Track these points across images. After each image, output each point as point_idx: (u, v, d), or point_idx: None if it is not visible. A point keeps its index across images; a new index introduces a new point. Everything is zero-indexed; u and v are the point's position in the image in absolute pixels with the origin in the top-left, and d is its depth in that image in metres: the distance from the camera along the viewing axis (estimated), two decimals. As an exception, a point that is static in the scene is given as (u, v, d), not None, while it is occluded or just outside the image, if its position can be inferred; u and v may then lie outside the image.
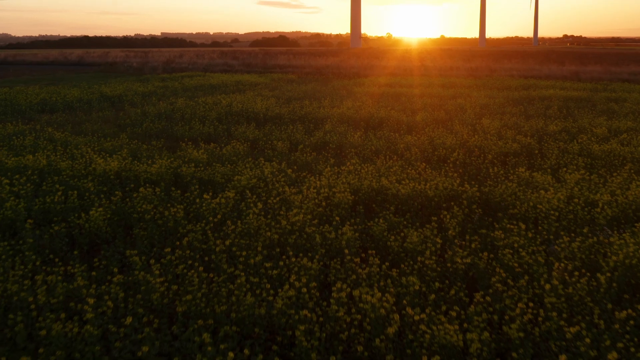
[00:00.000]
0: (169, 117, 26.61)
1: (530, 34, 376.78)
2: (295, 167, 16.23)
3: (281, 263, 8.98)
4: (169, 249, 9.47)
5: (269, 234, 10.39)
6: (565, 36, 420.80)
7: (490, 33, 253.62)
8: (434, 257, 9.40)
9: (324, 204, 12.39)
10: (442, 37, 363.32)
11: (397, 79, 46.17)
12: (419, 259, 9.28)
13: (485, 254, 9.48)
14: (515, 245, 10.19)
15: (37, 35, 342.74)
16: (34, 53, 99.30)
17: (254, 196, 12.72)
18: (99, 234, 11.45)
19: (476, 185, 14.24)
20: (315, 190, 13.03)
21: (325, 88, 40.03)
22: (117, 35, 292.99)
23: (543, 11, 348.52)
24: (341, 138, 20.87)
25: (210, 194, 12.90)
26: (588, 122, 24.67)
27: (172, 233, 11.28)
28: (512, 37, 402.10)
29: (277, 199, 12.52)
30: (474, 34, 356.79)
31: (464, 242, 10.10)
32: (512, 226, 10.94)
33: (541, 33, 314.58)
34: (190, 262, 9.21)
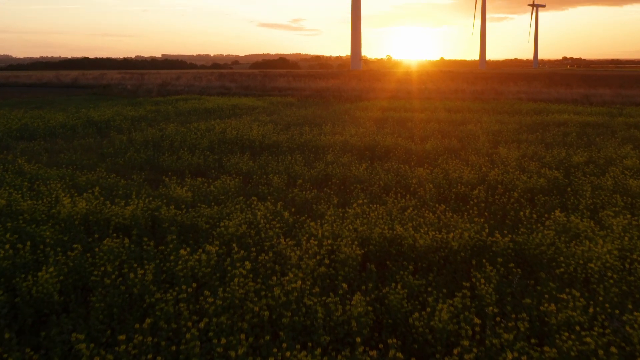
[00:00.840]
0: (156, 145, 24.46)
1: (529, 56, 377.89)
2: (292, 209, 14.00)
3: (272, 359, 6.70)
4: (123, 337, 7.15)
5: (257, 308, 8.12)
6: (565, 58, 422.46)
7: (489, 55, 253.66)
8: (474, 347, 7.14)
9: (326, 261, 10.14)
10: (442, 59, 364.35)
11: (400, 103, 44.18)
12: (455, 351, 7.00)
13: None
14: (572, 322, 7.96)
15: (38, 56, 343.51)
16: (29, 75, 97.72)
17: (242, 251, 10.47)
18: (48, 303, 9.17)
19: (507, 234, 11.99)
20: (316, 242, 10.78)
21: (326, 112, 38.01)
22: (118, 56, 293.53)
23: (542, 33, 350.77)
24: (345, 170, 18.69)
25: (190, 247, 10.66)
26: (613, 151, 22.52)
27: (136, 302, 9.00)
28: (511, 59, 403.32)
29: (270, 253, 10.27)
30: (473, 56, 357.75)
31: (509, 324, 7.81)
32: (564, 296, 8.66)
33: (540, 55, 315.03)
34: (150, 356, 6.91)
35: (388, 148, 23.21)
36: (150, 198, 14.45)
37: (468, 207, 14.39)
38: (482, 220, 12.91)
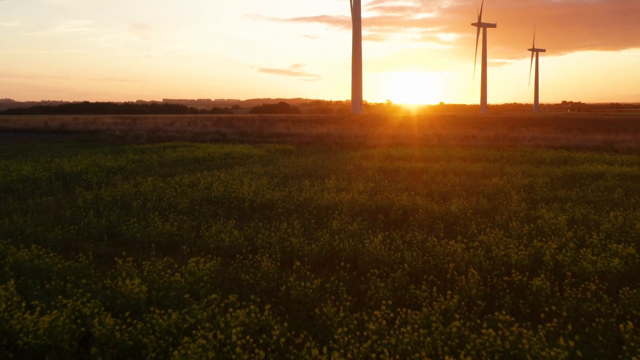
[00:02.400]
0: (126, 205, 20.35)
1: (528, 100, 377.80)
2: (286, 315, 9.80)
3: None
4: None
5: None
6: (564, 102, 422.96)
7: (489, 100, 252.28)
8: None
9: None
10: (442, 103, 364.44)
11: (409, 150, 40.31)
12: None
13: None
14: None
15: (39, 100, 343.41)
16: (19, 119, 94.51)
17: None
18: None
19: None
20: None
21: (329, 162, 34.06)
22: (119, 101, 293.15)
23: (541, 78, 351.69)
24: (356, 243, 14.55)
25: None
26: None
27: None
28: (510, 104, 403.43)
29: None
30: (473, 100, 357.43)
31: None
32: None
33: (540, 99, 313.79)
34: None
35: (406, 209, 19.10)
36: (89, 295, 10.26)
37: (534, 308, 10.18)
38: (566, 336, 8.67)
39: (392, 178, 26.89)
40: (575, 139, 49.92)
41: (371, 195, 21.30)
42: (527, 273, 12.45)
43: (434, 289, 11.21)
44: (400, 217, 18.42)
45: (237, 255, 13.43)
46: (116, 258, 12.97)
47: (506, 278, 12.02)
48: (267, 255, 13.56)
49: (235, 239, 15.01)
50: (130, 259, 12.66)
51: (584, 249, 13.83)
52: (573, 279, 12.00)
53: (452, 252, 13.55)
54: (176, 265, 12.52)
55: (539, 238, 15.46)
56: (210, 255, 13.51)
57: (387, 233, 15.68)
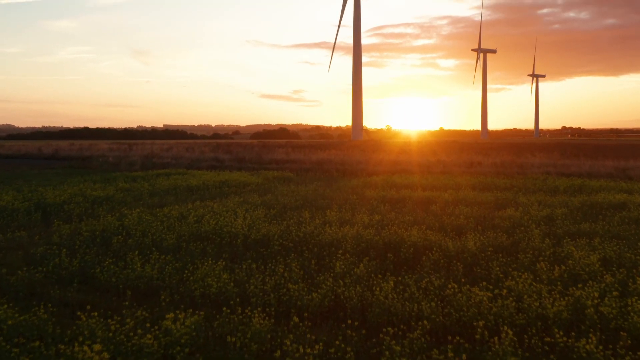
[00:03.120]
0: (105, 241, 18.34)
1: (528, 126, 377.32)
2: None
3: None
4: None
5: None
6: (564, 128, 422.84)
7: (489, 125, 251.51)
8: None
9: None
10: (442, 129, 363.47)
11: (414, 178, 38.38)
12: None
13: None
14: None
15: (40, 126, 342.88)
16: (11, 145, 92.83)
17: None
18: None
19: None
20: None
21: (330, 190, 32.10)
22: (120, 127, 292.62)
23: (541, 103, 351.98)
24: (364, 290, 12.54)
25: None
26: None
27: None
28: (510, 129, 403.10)
29: None
30: (472, 126, 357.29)
31: None
32: None
33: (540, 125, 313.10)
34: None
35: (417, 247, 17.08)
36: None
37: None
38: None
39: (398, 209, 24.91)
40: (585, 165, 48.03)
41: (378, 230, 19.31)
42: (572, 333, 10.39)
43: (459, 349, 9.18)
44: (412, 256, 16.39)
45: (225, 308, 11.36)
46: (79, 313, 10.92)
47: (547, 339, 9.97)
48: (260, 307, 11.53)
49: (224, 285, 12.97)
50: (95, 313, 10.59)
51: (631, 298, 11.80)
52: (629, 341, 9.95)
53: (477, 303, 11.51)
54: (148, 324, 10.45)
55: (574, 283, 13.47)
56: (191, 310, 11.45)
57: (399, 279, 13.60)
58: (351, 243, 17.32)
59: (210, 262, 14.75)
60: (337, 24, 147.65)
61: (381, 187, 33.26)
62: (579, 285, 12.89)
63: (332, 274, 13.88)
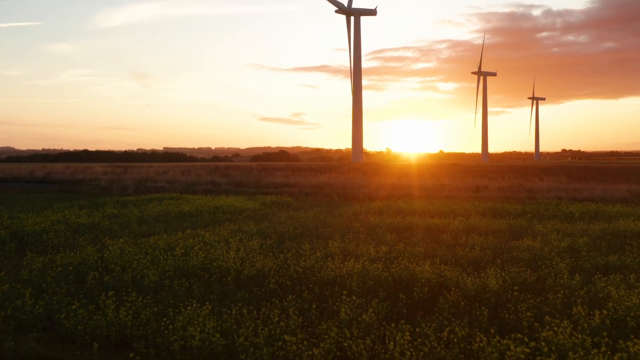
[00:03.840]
0: (80, 277, 16.30)
1: (527, 149, 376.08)
2: None
3: None
4: None
5: None
6: (564, 150, 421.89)
7: (489, 148, 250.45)
8: None
9: None
10: (441, 151, 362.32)
11: (420, 203, 36.39)
12: None
13: None
14: None
15: (40, 149, 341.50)
16: (4, 167, 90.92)
17: None
18: None
19: None
20: None
21: (331, 217, 30.09)
22: (119, 149, 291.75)
23: (541, 126, 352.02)
24: (374, 344, 10.51)
25: None
26: None
27: None
28: (510, 152, 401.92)
29: None
30: (472, 148, 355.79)
31: None
32: None
33: (540, 147, 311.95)
34: None
35: (432, 285, 15.05)
36: None
37: None
38: None
39: (407, 239, 22.87)
40: (597, 189, 46.09)
41: (386, 264, 17.27)
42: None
43: None
44: (427, 296, 14.34)
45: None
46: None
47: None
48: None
49: (209, 336, 10.93)
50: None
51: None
52: None
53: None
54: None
55: (621, 333, 11.45)
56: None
57: (416, 330, 11.49)
58: (357, 281, 15.28)
59: (194, 304, 12.70)
60: (347, 48, 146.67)
61: (386, 214, 31.28)
62: (631, 337, 10.85)
63: (336, 321, 11.84)
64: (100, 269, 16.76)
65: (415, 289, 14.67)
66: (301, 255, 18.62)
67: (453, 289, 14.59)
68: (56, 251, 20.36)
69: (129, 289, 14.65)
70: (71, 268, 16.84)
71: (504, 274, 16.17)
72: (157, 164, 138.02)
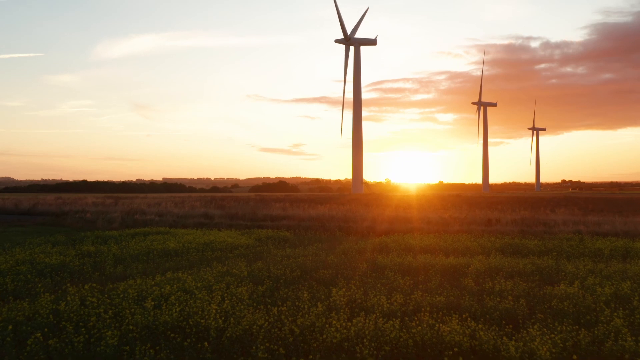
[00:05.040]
0: (19, 341, 12.99)
1: (527, 179, 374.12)
2: None
3: None
4: None
5: None
6: (564, 181, 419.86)
7: (489, 178, 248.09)
8: None
9: None
10: (441, 182, 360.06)
11: (431, 239, 33.13)
12: None
13: None
14: None
15: (39, 179, 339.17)
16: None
17: None
18: None
19: None
20: None
21: (334, 255, 26.81)
22: (119, 180, 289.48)
23: (541, 157, 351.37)
24: None
25: None
26: None
27: None
28: (510, 183, 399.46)
29: None
30: (472, 179, 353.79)
31: None
32: None
33: (540, 178, 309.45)
34: None
35: (464, 352, 11.77)
36: None
37: None
38: None
39: (423, 284, 19.60)
40: (617, 222, 42.85)
41: (404, 321, 13.98)
42: None
43: None
44: (462, 370, 11.05)
45: None
46: None
47: None
48: None
49: None
50: None
51: None
52: None
53: None
54: None
55: None
56: None
57: None
58: (369, 346, 11.99)
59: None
60: (342, 79, 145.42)
61: (394, 251, 28.04)
62: None
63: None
64: (47, 329, 13.43)
65: (443, 357, 11.40)
66: (299, 308, 15.34)
67: (491, 356, 11.33)
68: (4, 301, 17.06)
69: (81, 356, 11.36)
70: (10, 327, 13.51)
71: (552, 335, 12.91)
72: (153, 194, 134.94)
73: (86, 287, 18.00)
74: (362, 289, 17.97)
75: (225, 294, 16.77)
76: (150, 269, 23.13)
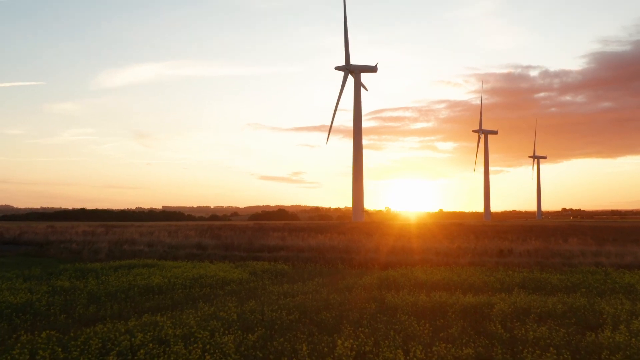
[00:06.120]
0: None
1: (527, 208, 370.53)
2: None
3: None
4: None
5: None
6: (564, 209, 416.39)
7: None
8: None
9: None
10: (441, 210, 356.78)
11: (442, 272, 30.22)
12: None
13: None
14: None
15: (39, 207, 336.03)
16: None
17: None
18: None
19: None
20: None
21: (336, 293, 23.88)
22: (119, 208, 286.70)
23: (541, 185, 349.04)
24: None
25: None
26: None
27: None
28: (510, 211, 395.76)
29: None
30: (472, 207, 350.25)
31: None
32: None
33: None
34: None
35: None
36: None
37: None
38: None
39: (442, 329, 16.70)
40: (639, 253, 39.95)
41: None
42: None
43: None
44: None
45: None
46: None
47: None
48: None
49: None
50: None
51: None
52: None
53: None
54: None
55: None
56: None
57: None
58: None
59: None
60: (335, 104, 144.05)
61: (404, 287, 25.13)
62: None
63: None
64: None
65: None
66: (297, 364, 12.46)
67: None
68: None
69: None
70: None
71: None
72: (149, 223, 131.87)
73: (43, 335, 15.10)
74: (372, 338, 15.07)
75: (208, 346, 13.88)
76: (127, 310, 20.21)
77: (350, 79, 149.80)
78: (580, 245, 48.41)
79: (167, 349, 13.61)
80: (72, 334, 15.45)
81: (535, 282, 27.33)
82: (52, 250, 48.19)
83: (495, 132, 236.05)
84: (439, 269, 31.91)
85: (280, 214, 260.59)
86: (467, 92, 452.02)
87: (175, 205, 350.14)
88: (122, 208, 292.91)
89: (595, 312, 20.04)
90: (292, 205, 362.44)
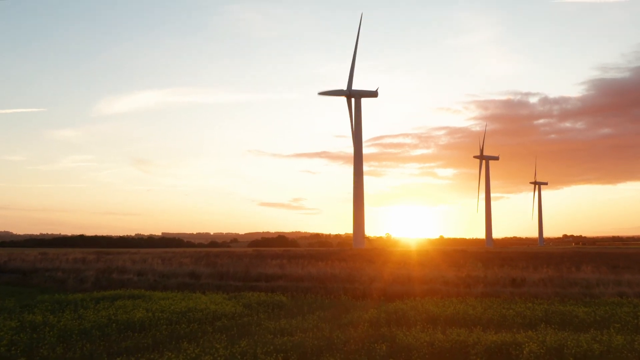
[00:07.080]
0: None
1: (528, 234, 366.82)
2: None
3: None
4: None
5: None
6: (565, 236, 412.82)
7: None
8: None
9: None
10: (442, 237, 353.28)
11: (457, 305, 27.58)
12: None
13: None
14: None
15: (37, 233, 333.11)
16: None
17: None
18: None
19: None
20: None
21: (340, 330, 21.24)
22: (117, 234, 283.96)
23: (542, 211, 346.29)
24: None
25: None
26: None
27: None
28: (512, 237, 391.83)
29: None
30: (473, 234, 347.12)
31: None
32: None
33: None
34: None
35: None
36: None
37: None
38: None
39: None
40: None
41: None
42: None
43: None
44: None
45: None
46: None
47: None
48: None
49: None
50: None
51: None
52: None
53: None
54: None
55: None
56: None
57: None
58: None
59: None
60: (347, 133, 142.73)
61: (416, 322, 22.52)
62: None
63: None
64: None
65: None
66: None
67: None
68: None
69: None
70: None
71: None
72: (146, 250, 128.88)
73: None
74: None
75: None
76: (99, 351, 17.58)
77: (352, 103, 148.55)
78: (595, 273, 45.70)
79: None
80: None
81: (560, 315, 24.71)
82: (35, 279, 45.39)
83: (496, 158, 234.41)
84: (451, 301, 29.26)
85: (280, 240, 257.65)
86: (466, 119, 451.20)
87: (175, 232, 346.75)
88: (121, 235, 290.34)
89: (635, 351, 17.52)
90: (292, 232, 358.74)
